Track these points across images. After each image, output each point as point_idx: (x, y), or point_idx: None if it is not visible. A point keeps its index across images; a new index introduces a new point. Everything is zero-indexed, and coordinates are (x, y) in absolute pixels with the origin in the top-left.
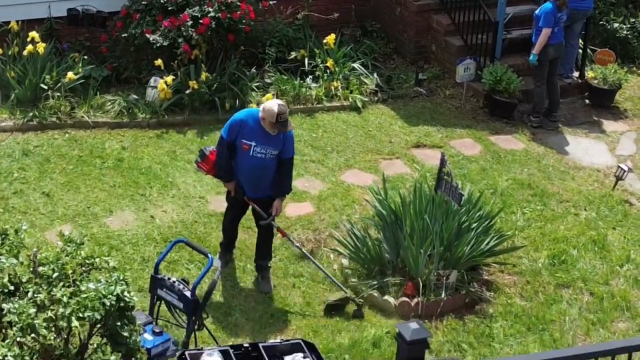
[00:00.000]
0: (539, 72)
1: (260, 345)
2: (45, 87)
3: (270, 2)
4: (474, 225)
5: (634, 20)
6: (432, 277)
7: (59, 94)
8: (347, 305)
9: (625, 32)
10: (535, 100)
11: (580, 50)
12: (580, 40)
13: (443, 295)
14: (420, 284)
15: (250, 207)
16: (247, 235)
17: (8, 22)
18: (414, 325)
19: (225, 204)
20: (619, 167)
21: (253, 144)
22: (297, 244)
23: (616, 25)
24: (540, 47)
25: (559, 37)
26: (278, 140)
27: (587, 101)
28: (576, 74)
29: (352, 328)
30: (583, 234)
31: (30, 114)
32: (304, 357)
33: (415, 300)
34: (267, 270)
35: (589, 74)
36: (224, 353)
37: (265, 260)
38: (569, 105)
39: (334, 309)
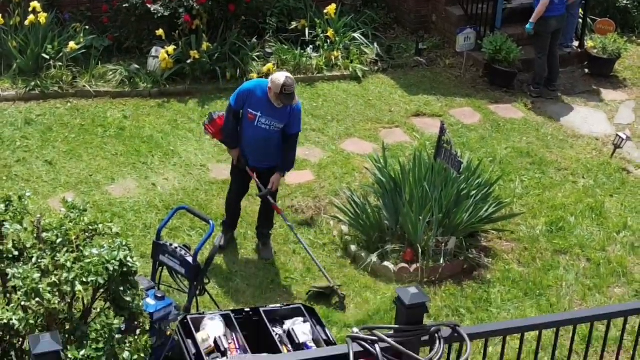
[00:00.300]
0: (541, 44)
1: (261, 309)
2: (47, 57)
3: None
4: (473, 192)
5: None
6: (431, 244)
7: (60, 63)
8: (331, 295)
9: (625, 1)
10: (536, 71)
11: (580, 20)
12: (581, 10)
13: (442, 261)
14: (419, 251)
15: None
16: (248, 202)
17: None
18: (413, 290)
19: (228, 175)
20: (617, 135)
21: (258, 114)
22: (289, 223)
23: None
24: (538, 17)
25: (560, 9)
26: (284, 113)
27: (586, 70)
28: (576, 43)
29: (351, 293)
30: (581, 202)
31: (33, 83)
32: (304, 322)
33: (414, 266)
34: (268, 238)
35: (589, 43)
36: (225, 317)
37: (266, 228)
38: (568, 74)
39: (318, 296)
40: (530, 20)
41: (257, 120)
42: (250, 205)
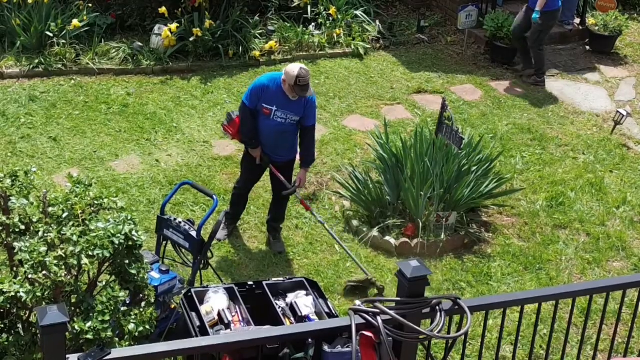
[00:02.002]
0: (543, 37)
1: (264, 283)
2: (51, 35)
3: None
4: (474, 168)
5: None
6: (432, 219)
7: (64, 41)
8: (368, 288)
9: None
10: (539, 64)
11: None
12: None
13: (442, 236)
14: (420, 225)
15: (265, 173)
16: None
17: None
18: (414, 263)
19: (230, 151)
20: (617, 112)
21: (274, 108)
22: (320, 218)
23: None
24: (543, 5)
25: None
26: (299, 106)
27: (587, 47)
28: (577, 20)
29: (353, 268)
30: (581, 177)
31: (36, 60)
32: (307, 295)
33: (416, 241)
34: (278, 232)
35: (590, 20)
36: (228, 290)
37: (278, 222)
38: (569, 51)
39: (354, 289)
40: (537, 9)
41: (273, 114)
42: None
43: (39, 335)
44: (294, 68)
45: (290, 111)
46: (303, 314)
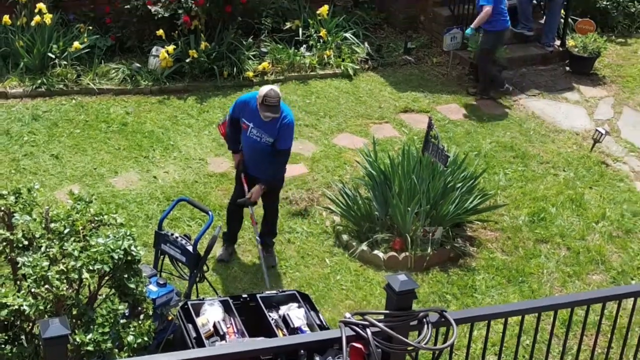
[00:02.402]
0: (486, 56)
1: (258, 295)
2: (53, 56)
3: None
4: (459, 185)
5: None
6: (419, 233)
7: (65, 62)
8: None
9: (605, 2)
10: (485, 82)
11: (562, 20)
12: (562, 11)
13: (429, 250)
14: (408, 240)
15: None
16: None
17: None
18: (402, 277)
19: (225, 168)
20: (596, 130)
21: (251, 125)
22: (258, 238)
23: None
24: (479, 24)
25: (508, 19)
26: (273, 128)
27: (567, 68)
28: (558, 42)
29: (343, 280)
30: (561, 193)
31: (39, 81)
32: (299, 307)
33: (403, 254)
34: (271, 246)
35: (570, 42)
36: (223, 303)
37: (269, 237)
38: (550, 72)
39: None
40: (472, 26)
41: (249, 130)
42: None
43: (41, 346)
44: (264, 88)
45: (265, 131)
46: (295, 326)
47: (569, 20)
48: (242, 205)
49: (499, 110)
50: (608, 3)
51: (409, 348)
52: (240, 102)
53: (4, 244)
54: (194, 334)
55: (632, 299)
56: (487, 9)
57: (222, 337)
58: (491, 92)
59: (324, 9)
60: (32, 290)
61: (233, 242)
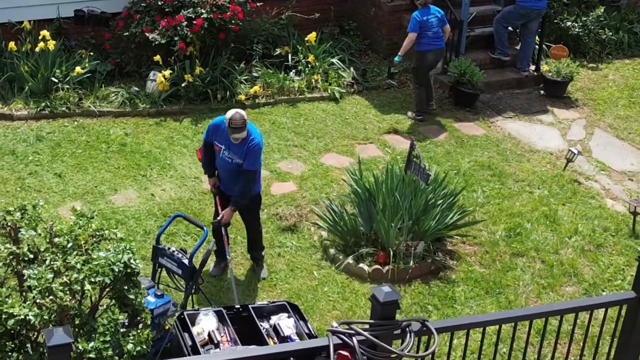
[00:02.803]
0: (420, 76)
1: (250, 306)
2: (56, 80)
3: (257, 4)
4: (439, 202)
5: (585, 19)
6: (402, 248)
7: (68, 86)
8: None
9: (577, 29)
10: (417, 101)
11: (537, 46)
12: (537, 37)
13: (411, 263)
14: (391, 254)
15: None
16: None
17: (21, 22)
18: (386, 288)
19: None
20: (569, 150)
21: (223, 147)
22: (228, 257)
23: (569, 23)
24: (405, 51)
25: (436, 44)
26: (241, 150)
27: (542, 92)
28: (532, 67)
29: (330, 292)
30: (536, 210)
31: (43, 104)
32: (288, 317)
33: (387, 267)
34: (261, 259)
35: (544, 67)
36: (217, 313)
37: (257, 251)
38: (525, 95)
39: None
40: (399, 54)
41: (222, 152)
42: (237, 214)
43: (46, 354)
44: (230, 112)
45: (234, 153)
46: (285, 335)
47: (543, 46)
48: (216, 226)
49: (478, 131)
50: (580, 30)
51: (393, 356)
52: (212, 126)
53: (11, 257)
54: (189, 343)
55: (603, 309)
56: (411, 35)
57: (217, 346)
58: (425, 109)
59: (312, 36)
60: (37, 301)
61: (223, 259)
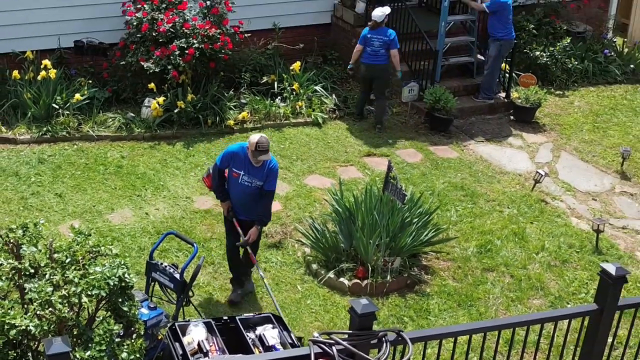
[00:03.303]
0: (361, 85)
1: (237, 318)
2: (57, 107)
3: (246, 35)
4: (415, 220)
5: (552, 49)
6: (380, 263)
7: (68, 112)
8: None
9: (545, 59)
10: (376, 113)
11: (507, 74)
12: (507, 66)
13: (389, 277)
14: (370, 269)
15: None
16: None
17: (25, 52)
18: (364, 301)
19: (209, 205)
20: (537, 172)
21: (242, 173)
22: (262, 274)
23: (538, 53)
24: (353, 59)
25: (373, 60)
26: (262, 172)
27: (512, 117)
28: (503, 94)
29: (312, 304)
30: (506, 227)
31: (44, 128)
32: (273, 328)
33: (366, 282)
34: (249, 275)
35: (514, 94)
36: (207, 324)
37: (246, 268)
38: (496, 120)
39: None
40: (350, 62)
41: (241, 178)
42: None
43: None
44: (255, 136)
45: (254, 176)
46: (270, 344)
47: (513, 74)
48: (242, 246)
49: (451, 154)
50: (548, 60)
51: None
52: (227, 154)
53: (14, 272)
54: (180, 352)
55: (567, 320)
56: (357, 46)
57: (206, 355)
58: (384, 121)
59: (296, 65)
60: (38, 312)
61: (240, 286)
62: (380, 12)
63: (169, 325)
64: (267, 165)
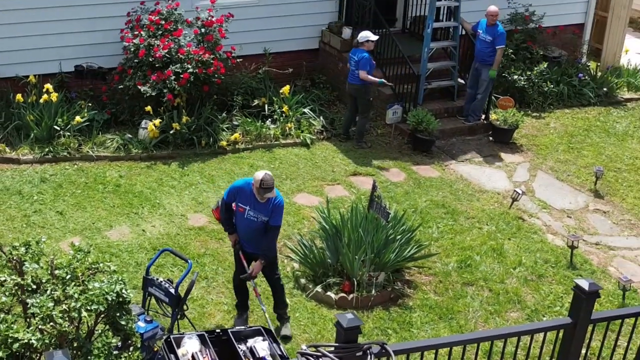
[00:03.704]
0: (356, 107)
1: (229, 330)
2: (58, 128)
3: (238, 60)
4: (399, 236)
5: (529, 73)
6: (365, 278)
7: (69, 133)
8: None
9: (522, 82)
10: (357, 130)
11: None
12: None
13: (373, 292)
14: (355, 283)
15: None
16: (218, 244)
17: (27, 76)
18: (349, 315)
19: (203, 222)
20: (514, 190)
21: (247, 208)
22: (264, 306)
23: (515, 77)
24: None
25: (350, 79)
26: (268, 208)
27: (490, 138)
28: (483, 116)
29: (301, 317)
30: (485, 244)
31: (46, 149)
32: (263, 340)
33: (351, 295)
34: (285, 318)
35: (493, 116)
36: (200, 337)
37: (282, 308)
38: (476, 141)
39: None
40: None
41: (247, 212)
42: (221, 246)
43: None
44: (260, 174)
45: (260, 211)
46: (260, 356)
47: (492, 97)
48: (246, 279)
49: (433, 173)
50: (525, 83)
51: None
52: (233, 189)
53: (16, 287)
54: None
55: (543, 333)
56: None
57: None
58: (362, 137)
59: (286, 89)
60: (40, 326)
61: (245, 309)
62: (364, 34)
63: (164, 337)
64: (273, 201)
